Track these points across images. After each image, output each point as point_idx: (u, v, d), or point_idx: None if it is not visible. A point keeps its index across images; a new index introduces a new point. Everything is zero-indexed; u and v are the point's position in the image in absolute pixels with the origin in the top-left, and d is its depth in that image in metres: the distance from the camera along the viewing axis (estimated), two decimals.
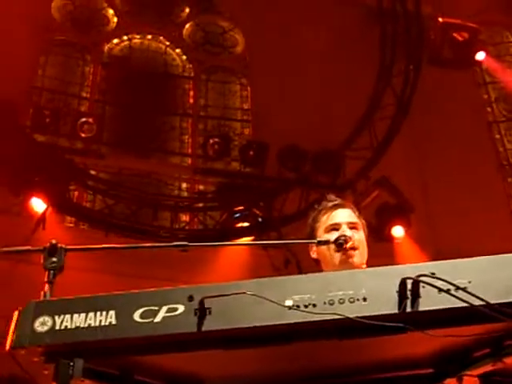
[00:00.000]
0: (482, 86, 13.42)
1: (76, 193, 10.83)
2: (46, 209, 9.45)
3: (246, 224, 10.68)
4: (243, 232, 10.58)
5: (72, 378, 1.98)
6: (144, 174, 11.50)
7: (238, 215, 10.81)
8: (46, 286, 2.26)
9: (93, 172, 11.11)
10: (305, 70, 11.63)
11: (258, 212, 10.86)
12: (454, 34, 11.43)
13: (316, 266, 3.35)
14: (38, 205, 9.45)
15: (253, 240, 10.37)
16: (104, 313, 1.98)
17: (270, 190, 11.22)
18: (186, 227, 11.03)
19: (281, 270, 10.03)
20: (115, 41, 13.28)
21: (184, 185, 12.16)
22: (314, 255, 3.32)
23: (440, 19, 11.42)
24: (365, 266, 3.25)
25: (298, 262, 9.86)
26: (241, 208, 10.87)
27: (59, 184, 9.92)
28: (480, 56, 11.97)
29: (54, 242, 2.36)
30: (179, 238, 9.98)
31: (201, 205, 11.43)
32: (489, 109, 13.29)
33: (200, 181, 12.02)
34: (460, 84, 11.93)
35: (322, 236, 3.20)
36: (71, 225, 10.43)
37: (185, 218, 11.31)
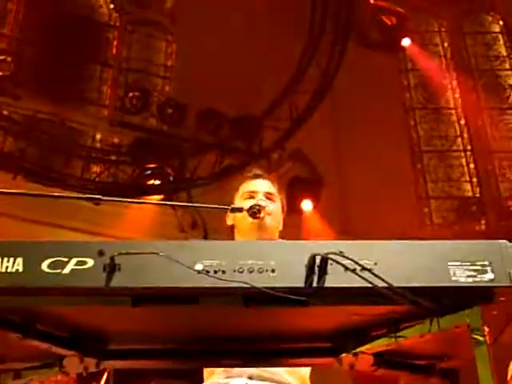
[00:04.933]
0: (403, 71, 13.68)
1: None
2: None
3: (157, 182, 10.63)
4: (153, 189, 10.54)
5: None
6: (59, 121, 11.25)
7: (149, 172, 10.74)
8: None
9: (5, 112, 10.81)
10: (232, 33, 11.57)
11: (170, 171, 10.82)
12: (383, 18, 11.59)
13: (226, 229, 3.40)
14: None
15: (162, 199, 10.34)
16: (11, 259, 1.95)
17: (185, 151, 11.18)
18: (97, 179, 10.89)
19: (187, 231, 10.07)
20: None
21: (98, 136, 11.98)
22: (229, 222, 3.37)
23: (371, 0, 11.55)
24: (277, 235, 3.32)
25: (205, 225, 9.92)
26: (153, 165, 10.81)
27: None
28: (405, 42, 12.21)
29: None
30: (89, 189, 9.86)
31: (113, 158, 11.31)
32: (407, 95, 13.57)
33: (115, 133, 11.85)
34: (383, 67, 12.12)
35: (239, 203, 3.25)
36: None
37: (96, 169, 11.17)
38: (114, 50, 13.02)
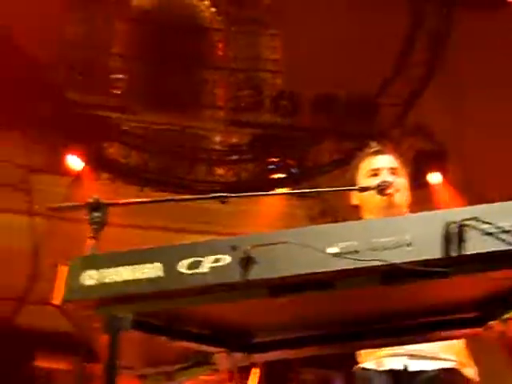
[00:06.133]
0: None
1: (111, 149, 10.89)
2: (84, 166, 9.59)
3: (280, 175, 10.69)
4: (278, 183, 10.59)
5: (121, 330, 2.02)
6: (177, 129, 11.51)
7: (272, 166, 10.82)
8: (91, 241, 2.29)
9: (127, 128, 11.15)
10: (335, 16, 11.45)
11: (292, 163, 10.86)
12: None
13: (355, 214, 3.37)
14: (74, 162, 9.58)
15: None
16: (151, 265, 2.00)
17: (303, 140, 11.18)
18: (221, 180, 11.07)
19: (317, 221, 10.05)
20: None
21: (217, 138, 12.16)
22: (355, 202, 3.34)
23: None
24: (406, 210, 3.26)
25: (335, 212, 9.88)
26: (275, 159, 10.88)
27: (94, 141, 10.02)
28: None
29: (96, 197, 2.38)
30: (215, 191, 10.01)
31: (235, 157, 11.44)
32: None
33: (233, 133, 12.00)
34: (496, 26, 11.68)
35: (363, 182, 3.22)
36: (107, 181, 10.49)
37: (219, 171, 11.34)
38: (221, 52, 13.18)
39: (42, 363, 9.80)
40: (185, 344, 2.16)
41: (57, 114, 9.59)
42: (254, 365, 4.60)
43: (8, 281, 9.13)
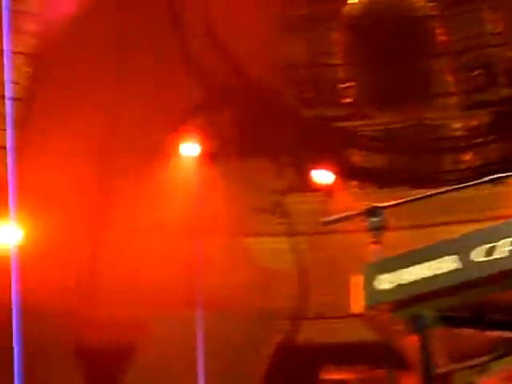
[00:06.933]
0: None
1: (355, 157, 10.99)
2: (333, 178, 9.80)
3: None
4: None
5: (427, 328, 2.02)
6: (414, 123, 11.37)
7: None
8: (375, 246, 2.31)
9: (365, 133, 11.20)
10: None
11: None
12: None
13: None
14: (323, 177, 9.81)
15: None
16: (445, 259, 1.98)
17: None
18: (469, 166, 10.75)
19: None
20: (352, 1, 13.21)
21: (457, 124, 11.85)
22: None
23: None
24: None
25: None
26: None
27: (338, 152, 10.18)
28: None
29: (372, 203, 2.41)
30: (464, 179, 9.75)
31: (479, 140, 11.08)
32: None
33: (472, 116, 11.63)
34: None
35: None
36: (357, 189, 10.57)
37: (465, 157, 11.04)
38: (443, 38, 12.87)
39: (328, 375, 10.02)
40: (494, 333, 2.11)
41: (297, 133, 9.86)
42: None
43: (275, 301, 9.47)
